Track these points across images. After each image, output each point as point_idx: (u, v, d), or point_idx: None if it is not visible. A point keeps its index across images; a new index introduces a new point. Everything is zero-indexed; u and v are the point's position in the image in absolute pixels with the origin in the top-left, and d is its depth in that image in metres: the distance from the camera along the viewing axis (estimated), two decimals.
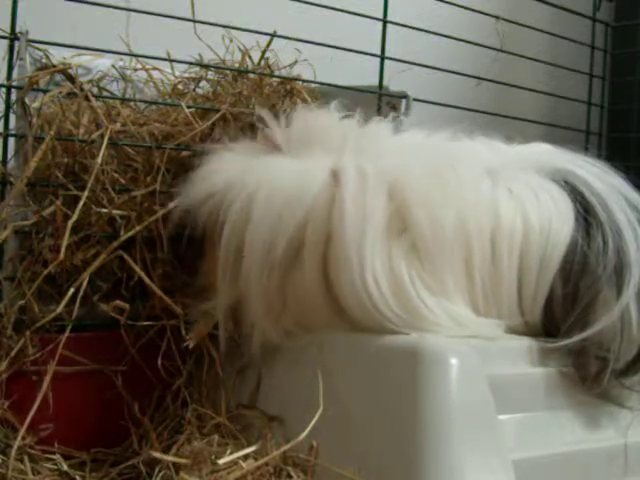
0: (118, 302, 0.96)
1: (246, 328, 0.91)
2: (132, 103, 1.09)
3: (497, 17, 1.44)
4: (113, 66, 1.10)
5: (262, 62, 1.15)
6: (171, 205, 0.97)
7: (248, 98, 1.11)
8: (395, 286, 0.84)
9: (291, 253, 0.87)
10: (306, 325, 0.89)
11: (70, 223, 0.95)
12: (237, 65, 1.15)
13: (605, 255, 0.85)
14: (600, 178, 0.91)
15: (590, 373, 0.83)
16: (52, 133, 0.96)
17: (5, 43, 0.98)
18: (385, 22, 1.28)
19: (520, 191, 0.90)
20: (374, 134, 0.96)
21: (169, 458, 0.82)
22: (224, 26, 1.11)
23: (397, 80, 1.26)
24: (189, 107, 1.06)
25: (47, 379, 0.92)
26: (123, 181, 1.01)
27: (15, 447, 0.88)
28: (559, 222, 0.88)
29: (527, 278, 0.87)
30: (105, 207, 0.98)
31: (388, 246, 0.85)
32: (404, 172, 0.88)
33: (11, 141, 1.00)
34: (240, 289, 0.89)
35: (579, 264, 0.86)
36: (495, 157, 0.94)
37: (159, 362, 0.99)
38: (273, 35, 1.15)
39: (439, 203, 0.86)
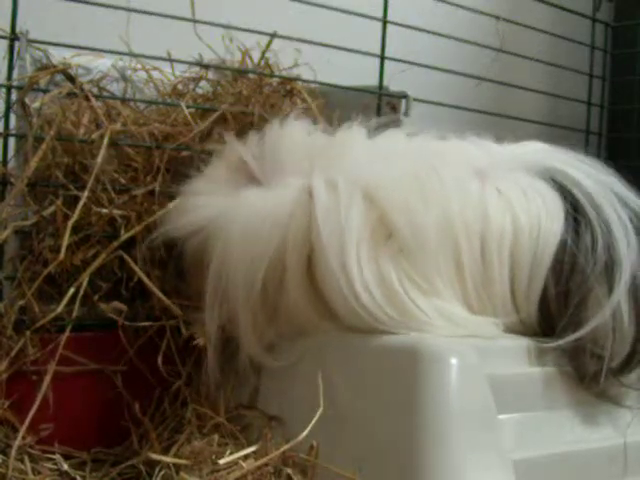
0: (116, 303, 0.96)
1: (236, 340, 0.91)
2: (132, 103, 1.09)
3: (497, 17, 1.44)
4: (113, 66, 1.10)
5: (262, 62, 1.15)
6: (155, 234, 0.97)
7: (248, 98, 1.11)
8: (385, 290, 0.84)
9: (276, 277, 0.88)
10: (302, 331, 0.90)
11: (70, 223, 0.95)
12: (237, 65, 1.15)
13: (594, 253, 0.85)
14: (590, 176, 0.91)
15: (588, 372, 0.83)
16: (52, 133, 0.96)
17: (5, 43, 0.98)
18: (385, 22, 1.28)
19: (509, 190, 0.90)
20: (344, 142, 0.95)
21: (169, 459, 0.82)
22: (224, 26, 1.11)
23: (397, 80, 1.26)
24: (189, 107, 1.06)
25: (47, 379, 0.92)
26: (123, 181, 1.01)
27: (15, 447, 0.88)
28: (549, 221, 0.88)
29: (519, 277, 0.87)
30: (105, 207, 0.98)
31: (375, 252, 0.85)
32: (378, 179, 0.88)
33: (11, 141, 1.00)
34: (227, 313, 0.90)
35: (569, 263, 0.86)
36: (484, 157, 0.94)
37: (159, 362, 0.99)
38: (273, 35, 1.15)
39: (418, 207, 0.86)
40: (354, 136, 0.96)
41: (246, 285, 0.87)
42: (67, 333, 0.95)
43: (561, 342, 0.83)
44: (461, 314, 0.85)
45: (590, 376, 0.83)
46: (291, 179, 0.91)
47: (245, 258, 0.88)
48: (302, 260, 0.87)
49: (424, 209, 0.86)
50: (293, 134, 0.97)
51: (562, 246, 0.87)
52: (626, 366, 0.84)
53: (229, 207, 0.92)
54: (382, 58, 1.28)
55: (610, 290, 0.84)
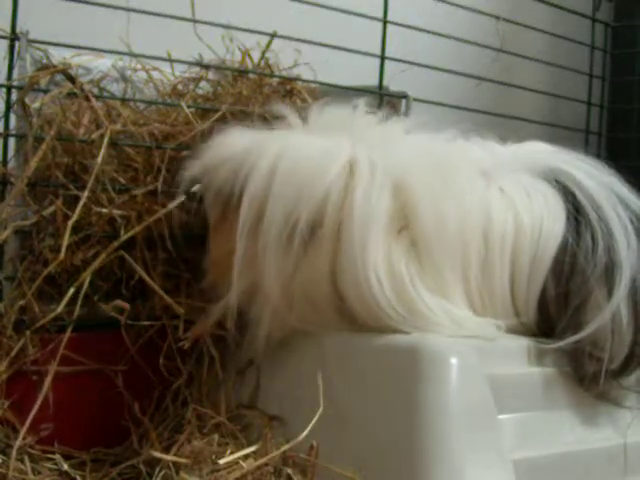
0: (119, 301, 0.96)
1: (256, 312, 0.89)
2: (132, 103, 1.10)
3: (497, 17, 1.44)
4: (113, 66, 1.10)
5: (262, 62, 1.15)
6: (185, 168, 0.95)
7: (248, 98, 1.11)
8: (396, 285, 0.84)
9: (306, 232, 0.85)
10: (310, 317, 0.89)
11: (70, 223, 0.95)
12: (237, 65, 1.15)
13: (595, 255, 0.85)
14: (592, 177, 0.92)
15: (587, 373, 0.83)
16: (52, 133, 0.96)
17: (5, 43, 0.98)
18: (385, 22, 1.28)
19: (512, 191, 0.90)
20: (385, 130, 0.96)
21: (169, 458, 0.82)
22: (224, 26, 1.11)
23: (397, 80, 1.26)
24: (189, 107, 1.06)
25: (48, 379, 0.92)
26: (123, 181, 1.01)
27: (16, 447, 0.88)
28: (550, 222, 0.88)
29: (519, 278, 0.87)
30: (105, 207, 0.98)
31: (389, 244, 0.85)
32: (410, 170, 0.88)
33: (11, 141, 1.00)
34: (256, 269, 0.87)
35: (569, 264, 0.86)
36: (489, 157, 0.94)
37: (160, 362, 0.99)
38: (273, 35, 1.15)
39: (444, 201, 0.87)
40: (394, 127, 0.97)
41: (286, 222, 0.85)
42: (67, 333, 0.95)
43: (561, 344, 0.83)
44: (465, 315, 0.85)
45: (589, 378, 0.83)
46: (339, 134, 0.90)
47: (288, 197, 0.85)
48: (337, 225, 0.86)
49: (448, 205, 0.86)
50: (335, 110, 0.96)
51: (562, 248, 0.87)
52: (625, 368, 0.84)
53: (267, 139, 0.91)
54: (382, 58, 1.28)
55: (610, 292, 0.84)
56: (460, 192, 0.88)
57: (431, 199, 0.86)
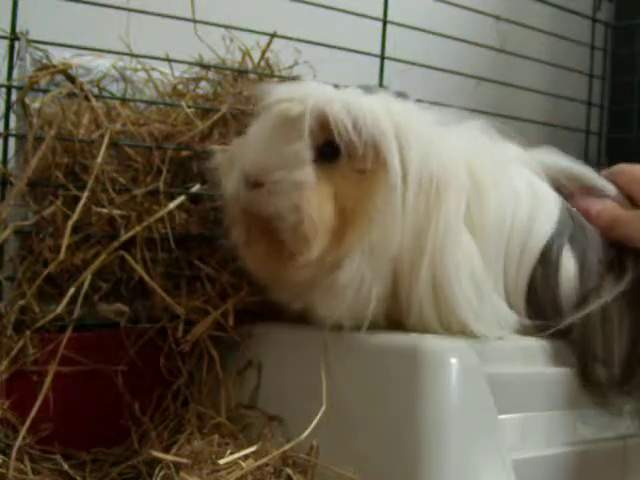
0: (118, 305, 0.96)
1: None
2: (132, 103, 1.10)
3: (497, 17, 1.44)
4: (113, 66, 1.10)
5: (262, 62, 1.15)
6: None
7: (248, 98, 1.11)
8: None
9: None
10: None
11: (70, 223, 0.95)
12: (237, 65, 1.15)
13: (588, 249, 0.86)
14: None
15: (592, 373, 0.83)
16: (52, 133, 0.96)
17: (5, 43, 0.98)
18: (385, 22, 1.28)
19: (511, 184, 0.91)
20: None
21: (169, 458, 0.82)
22: (224, 26, 1.11)
23: (397, 80, 1.26)
24: (189, 107, 1.06)
25: (48, 379, 0.92)
26: (123, 181, 1.01)
27: (16, 447, 0.88)
28: (544, 214, 0.88)
29: (509, 267, 0.88)
30: (105, 207, 0.98)
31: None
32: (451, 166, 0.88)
33: (11, 141, 1.00)
34: None
35: (559, 256, 0.86)
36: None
37: (161, 362, 0.99)
38: (273, 35, 1.14)
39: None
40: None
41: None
42: (67, 333, 0.95)
43: (552, 330, 0.84)
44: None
45: (594, 380, 0.83)
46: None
47: None
48: None
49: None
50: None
51: (553, 239, 0.87)
52: (625, 369, 0.84)
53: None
54: (382, 58, 1.28)
55: (599, 289, 0.85)
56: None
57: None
